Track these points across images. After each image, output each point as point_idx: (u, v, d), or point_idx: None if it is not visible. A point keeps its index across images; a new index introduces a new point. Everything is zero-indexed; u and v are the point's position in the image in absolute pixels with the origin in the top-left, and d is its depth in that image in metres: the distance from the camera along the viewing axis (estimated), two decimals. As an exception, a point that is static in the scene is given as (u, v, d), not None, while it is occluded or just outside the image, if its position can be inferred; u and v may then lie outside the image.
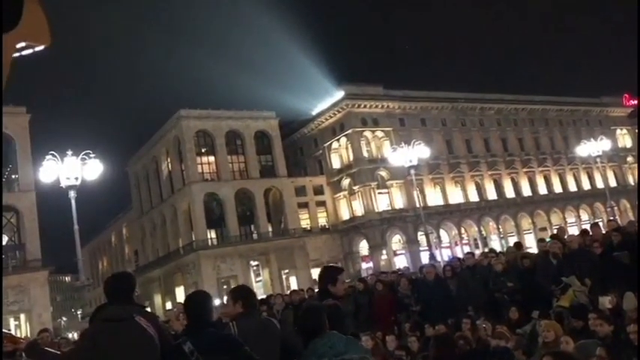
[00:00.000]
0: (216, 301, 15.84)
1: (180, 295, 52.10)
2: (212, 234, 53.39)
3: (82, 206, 18.57)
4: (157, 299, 58.61)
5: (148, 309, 4.28)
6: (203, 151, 54.73)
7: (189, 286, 50.90)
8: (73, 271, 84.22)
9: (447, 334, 6.94)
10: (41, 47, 1.67)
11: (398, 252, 56.38)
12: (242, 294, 4.53)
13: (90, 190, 20.41)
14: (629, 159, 77.28)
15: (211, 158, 54.72)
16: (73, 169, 17.97)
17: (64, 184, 17.95)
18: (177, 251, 55.02)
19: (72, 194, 17.85)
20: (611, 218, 33.16)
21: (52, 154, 18.28)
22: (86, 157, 18.40)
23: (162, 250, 59.45)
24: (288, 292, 17.17)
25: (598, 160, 43.97)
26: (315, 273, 47.85)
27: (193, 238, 52.23)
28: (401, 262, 51.15)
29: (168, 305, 51.23)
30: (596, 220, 49.93)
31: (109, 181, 24.45)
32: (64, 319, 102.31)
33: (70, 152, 18.34)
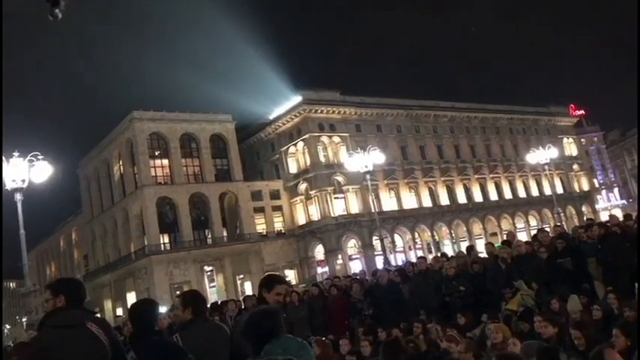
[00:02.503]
0: (162, 309, 15.49)
1: (132, 301, 50.88)
2: (165, 239, 52.47)
3: (28, 209, 17.93)
4: (108, 305, 57.09)
5: (99, 315, 4.20)
6: (156, 154, 53.76)
7: (140, 292, 49.81)
8: (18, 277, 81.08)
9: (395, 339, 7.03)
10: None
11: (353, 256, 56.79)
12: (191, 300, 4.51)
13: (37, 192, 19.72)
14: (575, 167, 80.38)
15: (165, 161, 53.82)
16: (19, 171, 17.31)
17: (9, 186, 17.26)
18: (129, 256, 53.77)
19: (18, 197, 17.18)
20: (558, 224, 34.40)
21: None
22: (34, 159, 17.75)
23: (113, 254, 58.01)
24: (242, 297, 17.01)
25: (546, 167, 45.53)
26: (279, 276, 47.63)
27: (145, 243, 51.14)
28: (356, 266, 51.59)
29: (119, 311, 50.00)
30: (544, 226, 51.73)
31: (58, 183, 23.63)
32: (8, 326, 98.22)
33: (16, 153, 17.66)
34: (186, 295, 4.73)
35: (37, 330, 3.65)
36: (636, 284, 7.96)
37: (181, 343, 3.99)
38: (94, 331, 3.44)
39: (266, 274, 5.37)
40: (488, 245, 12.11)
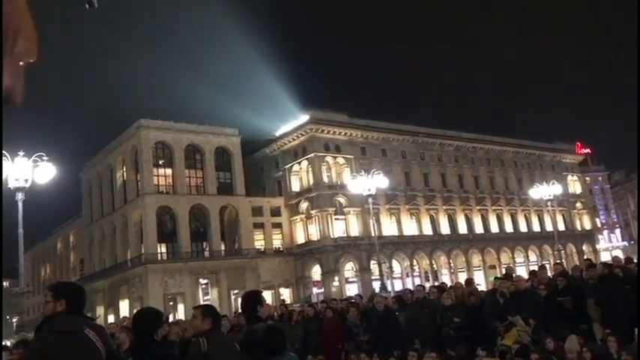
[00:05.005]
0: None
1: (125, 308, 50.59)
2: (162, 248, 52.27)
3: (28, 209, 17.85)
4: (100, 311, 56.60)
5: (98, 322, 4.18)
6: (160, 162, 53.85)
7: (134, 300, 49.54)
8: (12, 276, 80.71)
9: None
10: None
11: (350, 279, 56.43)
12: (213, 312, 4.54)
13: (38, 192, 19.69)
14: (578, 205, 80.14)
15: (168, 171, 53.88)
16: (23, 171, 17.31)
17: (12, 185, 17.23)
18: (125, 263, 53.56)
19: (20, 196, 17.13)
20: (558, 261, 34.18)
21: (2, 153, 17.54)
22: (38, 159, 17.76)
23: (110, 260, 57.78)
24: (235, 313, 16.82)
25: (549, 203, 45.39)
26: (266, 295, 47.28)
27: (142, 251, 50.98)
28: (352, 289, 51.18)
29: (111, 318, 49.61)
30: (544, 262, 51.41)
31: (60, 185, 23.64)
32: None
33: (21, 153, 17.67)
34: (207, 306, 4.78)
35: (35, 333, 3.60)
36: (636, 330, 7.84)
37: (206, 347, 3.99)
38: (91, 338, 3.41)
39: (246, 292, 5.47)
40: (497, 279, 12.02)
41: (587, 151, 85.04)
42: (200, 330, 4.33)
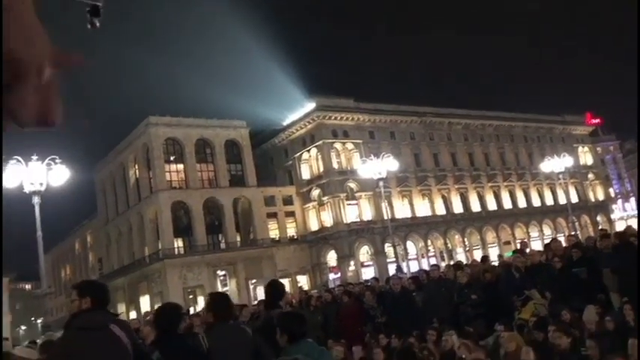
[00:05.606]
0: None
1: (145, 304, 51.26)
2: (179, 243, 52.76)
3: (45, 211, 18.16)
4: (122, 308, 57.44)
5: (122, 317, 4.32)
6: (172, 159, 54.16)
7: (154, 296, 50.16)
8: (33, 279, 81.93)
9: (409, 347, 7.07)
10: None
11: (365, 263, 56.66)
12: (217, 303, 4.59)
13: (54, 195, 19.98)
14: (590, 176, 79.54)
15: (180, 166, 54.20)
16: (37, 175, 17.59)
17: (27, 189, 17.52)
18: (143, 260, 54.14)
19: (36, 200, 17.43)
20: (572, 233, 34.13)
21: (17, 158, 17.83)
22: (52, 163, 18.04)
23: (128, 258, 58.44)
24: (255, 302, 17.08)
25: (560, 176, 45.17)
26: (284, 283, 47.66)
27: (160, 247, 51.48)
28: (369, 273, 51.40)
29: (133, 314, 50.32)
30: (558, 235, 51.25)
31: (74, 186, 23.95)
32: (23, 327, 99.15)
33: (35, 157, 17.95)
34: (211, 296, 4.84)
35: (64, 330, 3.77)
36: None
37: (207, 344, 4.12)
38: (116, 333, 3.54)
39: (270, 282, 5.58)
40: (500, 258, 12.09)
41: (597, 121, 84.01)
42: (206, 322, 4.45)
